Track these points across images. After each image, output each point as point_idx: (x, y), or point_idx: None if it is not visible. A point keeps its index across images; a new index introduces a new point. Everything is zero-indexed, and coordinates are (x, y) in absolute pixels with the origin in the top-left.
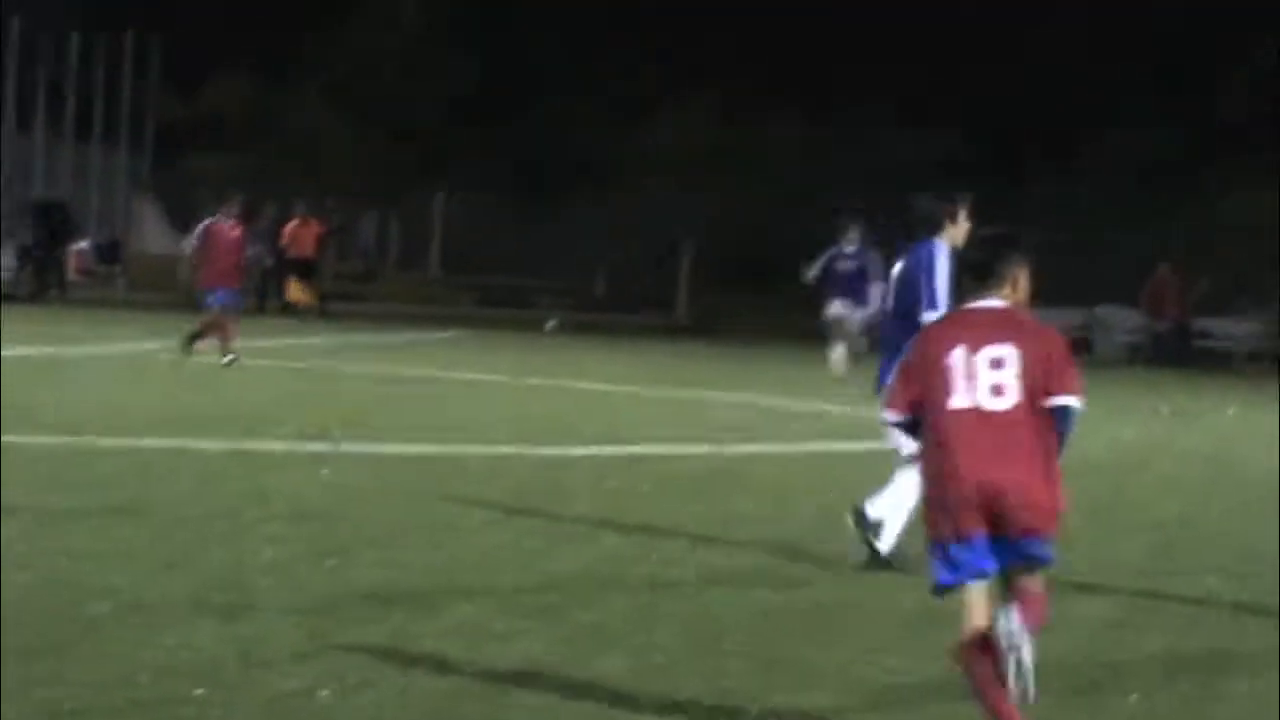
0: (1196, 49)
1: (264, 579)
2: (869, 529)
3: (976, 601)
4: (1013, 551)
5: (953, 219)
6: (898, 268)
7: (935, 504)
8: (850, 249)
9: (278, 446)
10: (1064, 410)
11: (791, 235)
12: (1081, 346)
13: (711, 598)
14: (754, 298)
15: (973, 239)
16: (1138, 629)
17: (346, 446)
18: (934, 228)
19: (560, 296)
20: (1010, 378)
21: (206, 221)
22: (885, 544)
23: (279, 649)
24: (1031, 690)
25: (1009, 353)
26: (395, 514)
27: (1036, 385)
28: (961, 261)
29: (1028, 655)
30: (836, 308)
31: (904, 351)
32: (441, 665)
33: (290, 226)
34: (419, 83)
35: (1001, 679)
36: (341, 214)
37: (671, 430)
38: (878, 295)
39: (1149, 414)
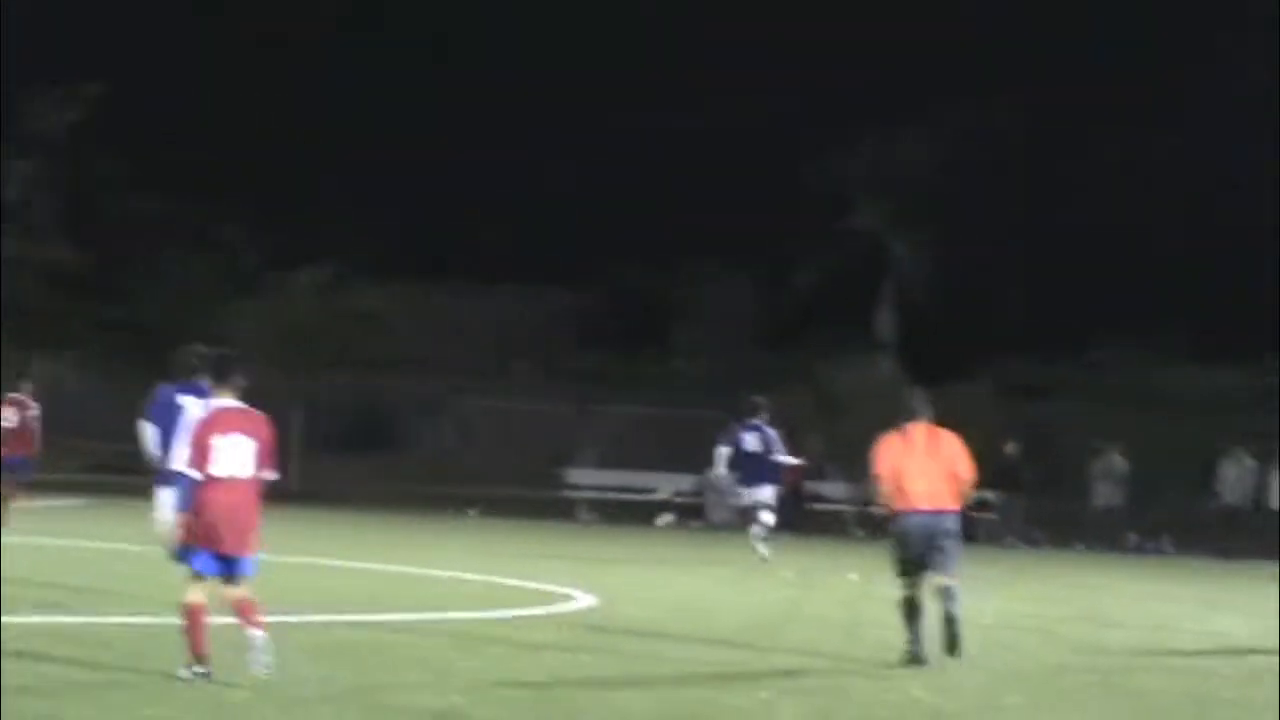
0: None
1: None
2: None
3: (198, 586)
4: (235, 565)
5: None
6: None
7: (197, 528)
8: None
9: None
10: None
11: (404, 402)
12: (694, 513)
13: None
14: (364, 464)
15: (201, 355)
16: None
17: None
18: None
19: None
20: (248, 457)
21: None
22: None
23: None
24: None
25: (247, 440)
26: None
27: (262, 461)
28: (211, 370)
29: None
30: None
31: None
32: None
33: None
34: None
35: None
36: None
37: (310, 598)
38: None
39: (777, 579)
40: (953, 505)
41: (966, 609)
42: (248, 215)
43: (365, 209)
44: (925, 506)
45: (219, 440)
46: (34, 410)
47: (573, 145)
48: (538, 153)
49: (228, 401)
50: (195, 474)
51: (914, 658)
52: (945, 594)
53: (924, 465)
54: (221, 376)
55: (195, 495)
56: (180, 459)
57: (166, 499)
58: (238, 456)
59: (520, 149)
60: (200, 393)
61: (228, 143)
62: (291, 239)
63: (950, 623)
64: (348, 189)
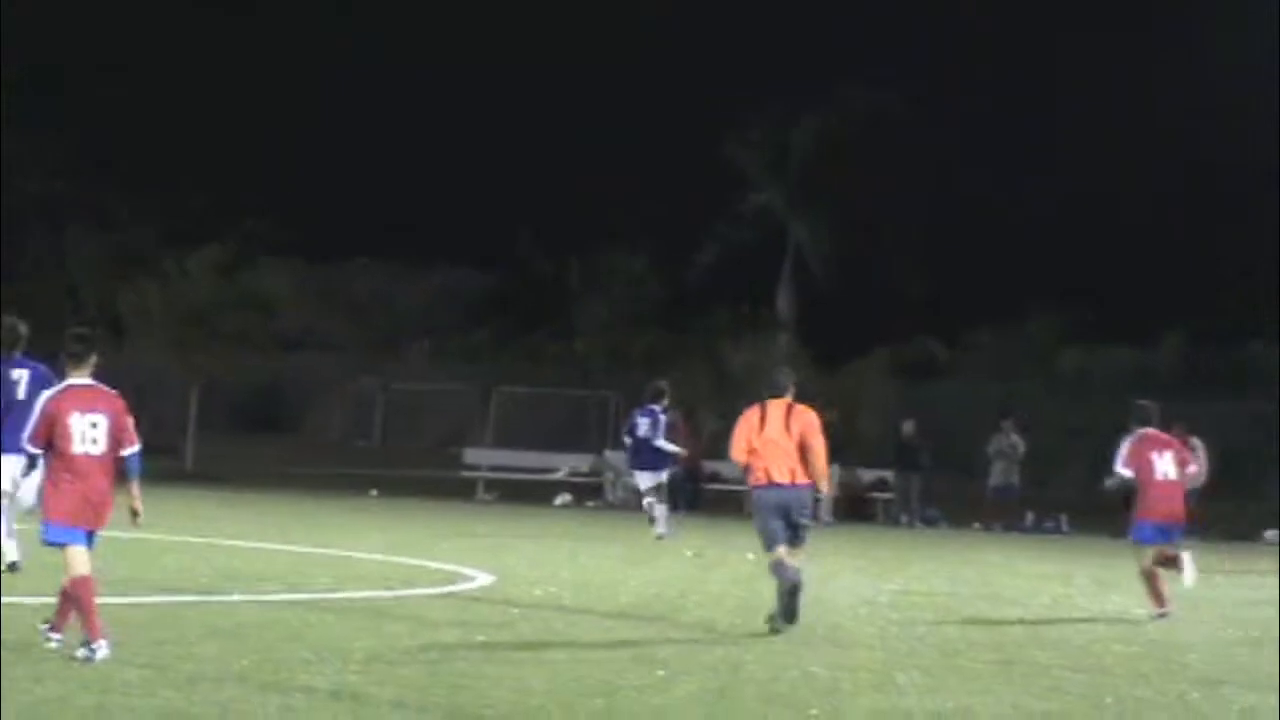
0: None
1: None
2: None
3: (75, 556)
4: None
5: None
6: None
7: (62, 503)
8: None
9: None
10: (133, 455)
11: (303, 382)
12: (592, 492)
13: None
14: (262, 444)
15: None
16: None
17: None
18: None
19: None
20: (102, 434)
21: None
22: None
23: None
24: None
25: (101, 418)
26: None
27: (116, 439)
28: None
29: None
30: None
31: None
32: None
33: None
34: None
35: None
36: None
37: (207, 578)
38: None
39: (675, 557)
40: (806, 480)
41: (864, 588)
42: (144, 195)
43: (263, 189)
44: (781, 480)
45: (74, 418)
46: None
47: (472, 125)
48: (437, 133)
49: (82, 379)
50: (37, 450)
51: (785, 616)
52: (784, 567)
53: (780, 441)
54: (78, 355)
55: (52, 473)
56: (28, 437)
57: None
58: (92, 434)
59: (419, 129)
60: (25, 366)
61: (122, 123)
62: (188, 219)
63: (792, 593)
64: (245, 169)
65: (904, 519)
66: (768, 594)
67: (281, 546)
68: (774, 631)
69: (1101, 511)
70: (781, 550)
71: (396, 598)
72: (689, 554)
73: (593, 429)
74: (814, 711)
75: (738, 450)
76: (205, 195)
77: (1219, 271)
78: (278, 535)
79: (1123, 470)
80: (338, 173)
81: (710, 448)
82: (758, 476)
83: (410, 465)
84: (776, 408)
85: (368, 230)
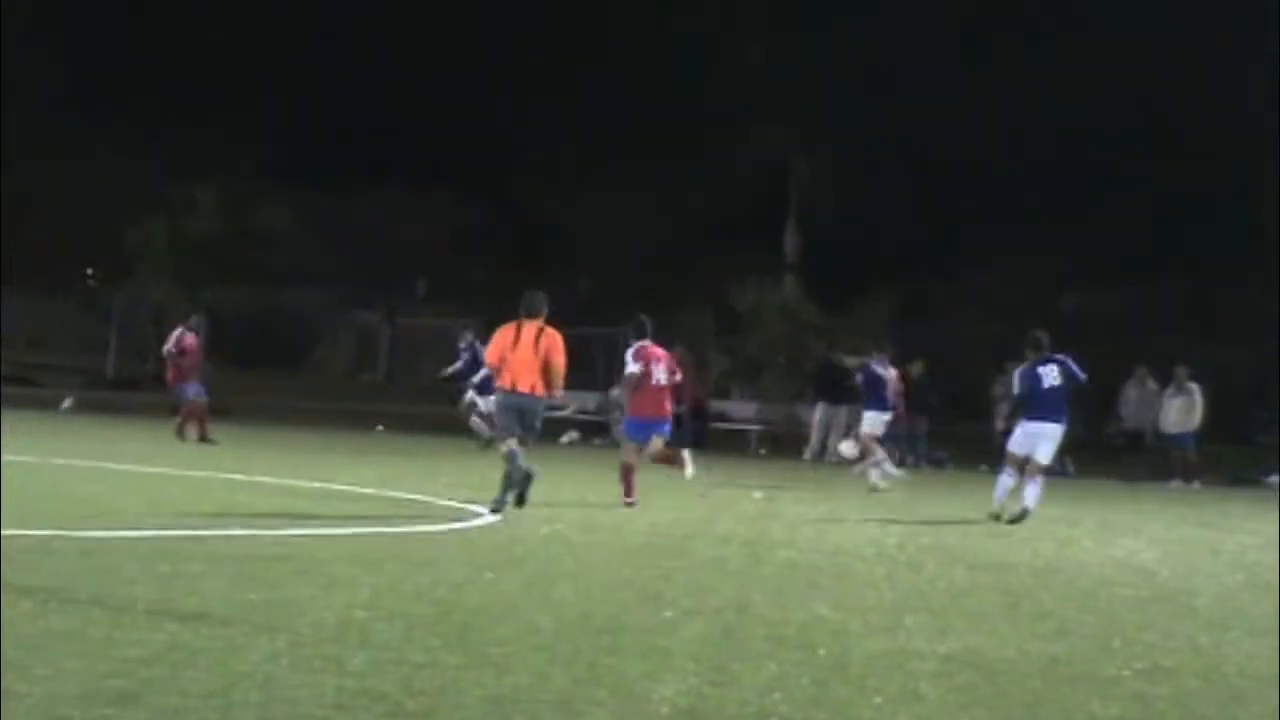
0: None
1: None
2: None
3: None
4: None
5: None
6: None
7: None
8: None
9: None
10: None
11: (299, 318)
12: (599, 430)
13: (285, 683)
14: (268, 380)
15: None
16: (708, 715)
17: None
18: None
19: (70, 375)
20: None
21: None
22: None
23: None
24: None
25: None
26: None
27: None
28: None
29: None
30: None
31: None
32: None
33: None
34: None
35: None
36: None
37: (213, 512)
38: None
39: (687, 497)
40: (543, 391)
41: (872, 530)
42: (149, 130)
43: (271, 123)
44: (522, 389)
45: None
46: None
47: (481, 62)
48: (451, 70)
49: None
50: None
51: (518, 501)
52: (515, 455)
53: (526, 356)
54: None
55: None
56: None
57: None
58: None
59: (422, 60)
60: None
61: (127, 60)
62: (193, 153)
63: (526, 479)
64: (251, 102)
65: (910, 460)
66: (774, 534)
67: (286, 481)
68: (495, 512)
69: (1104, 454)
70: (514, 441)
71: (403, 534)
72: (696, 494)
73: (599, 367)
74: (822, 652)
75: (493, 355)
76: (208, 129)
77: (1219, 214)
78: (282, 470)
79: (635, 367)
80: (345, 108)
81: (718, 388)
82: (504, 383)
83: (415, 401)
84: (530, 328)
85: (373, 167)
